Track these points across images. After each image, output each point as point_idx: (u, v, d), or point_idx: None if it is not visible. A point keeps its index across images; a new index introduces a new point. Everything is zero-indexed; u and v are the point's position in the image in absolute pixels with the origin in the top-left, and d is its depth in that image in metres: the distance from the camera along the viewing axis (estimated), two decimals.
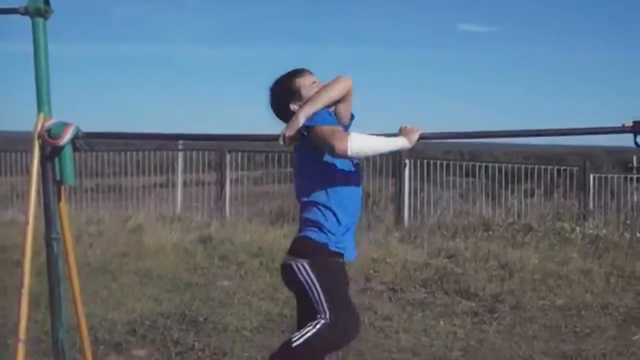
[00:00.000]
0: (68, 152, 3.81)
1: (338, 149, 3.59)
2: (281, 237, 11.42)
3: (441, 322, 7.74)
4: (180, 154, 15.93)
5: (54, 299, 3.89)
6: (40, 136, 3.72)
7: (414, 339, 7.12)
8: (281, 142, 3.73)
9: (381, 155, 4.10)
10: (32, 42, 3.79)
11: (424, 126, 3.80)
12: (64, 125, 3.75)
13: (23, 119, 3.82)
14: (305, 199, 3.86)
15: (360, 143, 3.64)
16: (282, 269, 3.97)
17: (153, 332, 7.01)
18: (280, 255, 10.03)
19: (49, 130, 3.73)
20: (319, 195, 3.80)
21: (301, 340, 3.66)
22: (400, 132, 3.78)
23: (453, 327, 7.57)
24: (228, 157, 14.98)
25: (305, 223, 3.86)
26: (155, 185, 16.70)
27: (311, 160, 3.83)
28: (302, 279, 3.77)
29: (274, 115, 4.04)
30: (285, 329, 7.21)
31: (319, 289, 3.71)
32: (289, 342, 3.70)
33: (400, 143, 3.77)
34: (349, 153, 3.62)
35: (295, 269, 3.79)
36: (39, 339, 6.22)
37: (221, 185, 15.23)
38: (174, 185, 16.01)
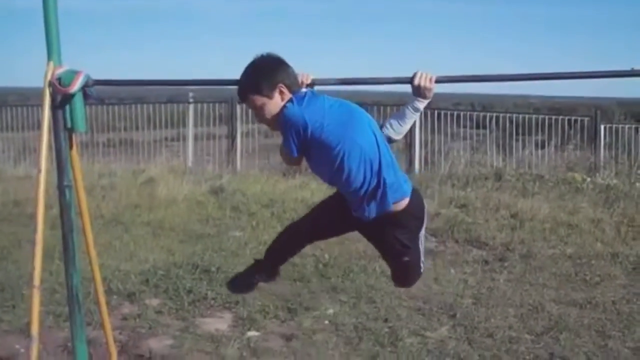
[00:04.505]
0: (79, 100, 3.79)
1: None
2: (293, 187, 11.46)
3: (452, 271, 7.81)
4: (191, 107, 15.90)
5: (67, 246, 3.91)
6: (50, 84, 3.71)
7: (425, 286, 7.16)
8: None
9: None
10: None
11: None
12: (74, 73, 3.73)
13: (37, 75, 3.77)
14: None
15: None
16: None
17: (166, 282, 7.09)
18: (292, 206, 10.11)
19: (59, 79, 3.71)
20: None
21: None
22: (414, 78, 3.57)
23: (464, 276, 7.65)
24: (239, 109, 14.92)
25: None
26: (166, 138, 16.78)
27: None
28: None
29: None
30: (296, 278, 7.28)
31: None
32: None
33: (420, 107, 3.71)
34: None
35: None
36: (53, 289, 6.33)
37: (232, 137, 15.23)
38: (184, 138, 16.03)
